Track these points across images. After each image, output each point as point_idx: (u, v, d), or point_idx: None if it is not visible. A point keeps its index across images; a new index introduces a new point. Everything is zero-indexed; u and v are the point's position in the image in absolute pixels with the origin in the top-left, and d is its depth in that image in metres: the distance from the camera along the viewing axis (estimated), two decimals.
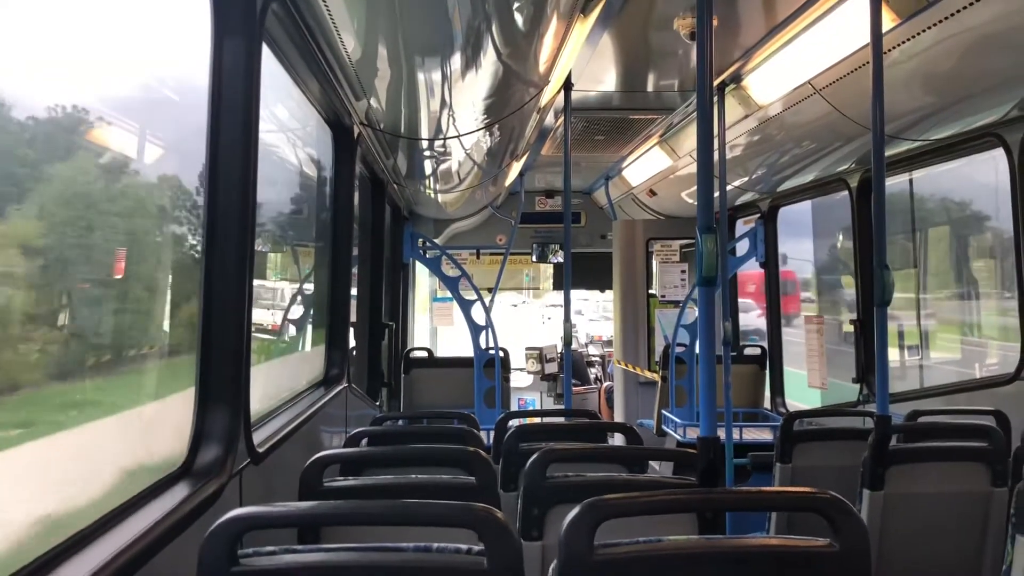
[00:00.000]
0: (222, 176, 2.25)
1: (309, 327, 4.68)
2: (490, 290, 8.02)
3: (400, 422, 4.88)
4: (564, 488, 2.32)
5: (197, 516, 1.92)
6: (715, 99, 5.23)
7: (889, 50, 3.66)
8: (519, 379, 10.65)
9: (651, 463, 5.04)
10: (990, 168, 5.13)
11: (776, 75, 4.73)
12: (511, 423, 3.65)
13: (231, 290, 2.26)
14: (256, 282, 2.50)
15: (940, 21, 3.36)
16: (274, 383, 3.67)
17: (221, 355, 2.25)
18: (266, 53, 2.55)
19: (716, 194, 5.47)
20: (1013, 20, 3.17)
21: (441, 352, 9.68)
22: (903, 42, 3.62)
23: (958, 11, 3.23)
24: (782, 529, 3.90)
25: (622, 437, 3.68)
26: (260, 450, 2.50)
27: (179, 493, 1.97)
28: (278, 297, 4.51)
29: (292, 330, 4.60)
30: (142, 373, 2.33)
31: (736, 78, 5.08)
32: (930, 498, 3.33)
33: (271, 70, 2.96)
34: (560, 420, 5.02)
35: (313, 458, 2.37)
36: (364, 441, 3.25)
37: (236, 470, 2.26)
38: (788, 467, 3.99)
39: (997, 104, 4.13)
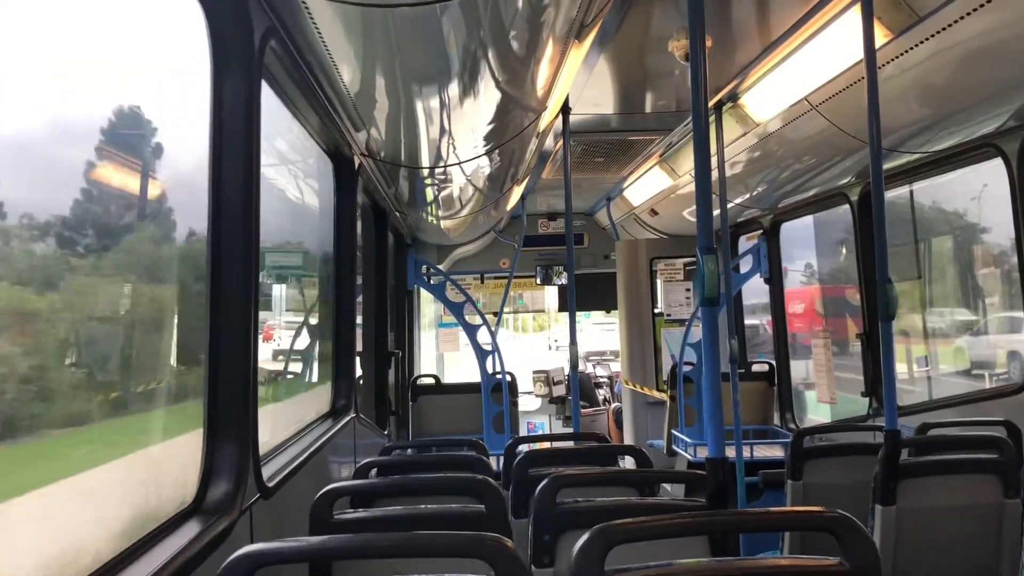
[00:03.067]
0: (225, 212, 2.28)
1: (316, 358, 4.69)
2: (495, 314, 8.04)
3: (409, 451, 4.88)
4: (574, 514, 2.32)
5: (208, 554, 1.92)
6: (713, 118, 5.27)
7: (883, 65, 3.68)
8: (527, 403, 10.63)
9: (664, 484, 5.03)
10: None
11: (773, 93, 4.76)
12: (520, 448, 3.64)
13: (237, 325, 2.28)
14: (263, 315, 2.52)
15: (932, 35, 3.39)
16: (282, 416, 3.68)
17: (228, 390, 2.26)
18: (265, 89, 2.59)
19: (717, 212, 5.50)
20: (1004, 32, 3.19)
21: (449, 379, 9.68)
22: (897, 56, 3.64)
23: (949, 25, 3.26)
24: (795, 547, 3.88)
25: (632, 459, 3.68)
26: (270, 484, 2.50)
27: (190, 531, 1.97)
28: (285, 330, 4.52)
29: (299, 362, 4.61)
30: (150, 410, 2.34)
31: (733, 96, 5.11)
32: (943, 512, 3.31)
33: (271, 105, 3.00)
34: (569, 444, 5.01)
35: (322, 491, 2.37)
36: (373, 471, 3.25)
37: (246, 505, 2.27)
38: (800, 484, 3.97)
39: (993, 115, 4.15)
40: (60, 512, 1.75)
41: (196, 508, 2.12)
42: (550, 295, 11.46)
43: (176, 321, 2.52)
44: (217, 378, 2.25)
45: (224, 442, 2.24)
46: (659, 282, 8.94)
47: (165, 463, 2.30)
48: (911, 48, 3.54)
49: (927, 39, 3.43)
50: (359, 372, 5.35)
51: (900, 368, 8.27)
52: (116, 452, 2.05)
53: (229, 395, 2.26)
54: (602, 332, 27.12)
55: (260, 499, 2.41)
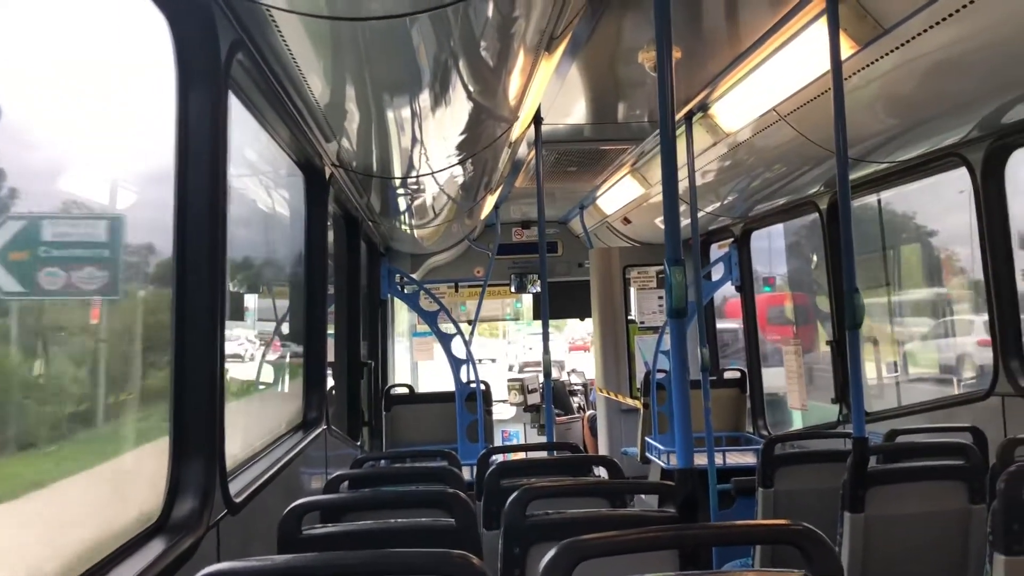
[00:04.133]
0: (191, 224, 2.25)
1: (287, 370, 4.66)
2: (470, 323, 8.02)
3: (382, 462, 4.85)
4: (544, 526, 2.31)
5: (173, 573, 1.89)
6: (683, 128, 5.31)
7: (850, 76, 3.73)
8: (502, 411, 10.61)
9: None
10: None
11: (742, 103, 4.80)
12: (494, 458, 3.64)
13: (203, 338, 2.25)
14: (233, 326, 2.49)
15: (897, 47, 3.44)
16: (252, 430, 3.64)
17: (195, 405, 2.23)
18: (233, 101, 2.57)
19: (687, 221, 5.53)
20: (967, 44, 3.24)
21: (424, 388, 9.64)
22: (863, 68, 3.69)
23: (914, 37, 3.31)
24: (767, 556, 3.90)
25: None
26: (237, 500, 2.47)
27: (154, 549, 1.94)
28: (255, 341, 4.48)
29: (269, 374, 4.57)
30: (117, 425, 2.31)
31: (703, 107, 5.15)
32: (911, 518, 3.34)
33: (239, 117, 2.98)
34: (543, 454, 5.01)
35: (290, 507, 2.35)
36: (345, 484, 3.23)
37: (213, 522, 2.24)
38: (771, 492, 3.99)
39: (958, 125, 4.21)
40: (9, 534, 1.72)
41: (161, 525, 2.09)
42: (506, 304, 11.48)
43: (140, 332, 2.49)
44: (183, 392, 2.23)
45: (190, 457, 2.21)
46: (632, 290, 8.97)
47: (130, 479, 2.27)
48: (876, 60, 3.59)
49: (892, 51, 3.48)
50: (331, 383, 5.31)
51: (884, 372, 8.36)
52: (76, 467, 2.02)
53: (196, 409, 2.23)
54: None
55: (228, 515, 2.38)
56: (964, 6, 3.00)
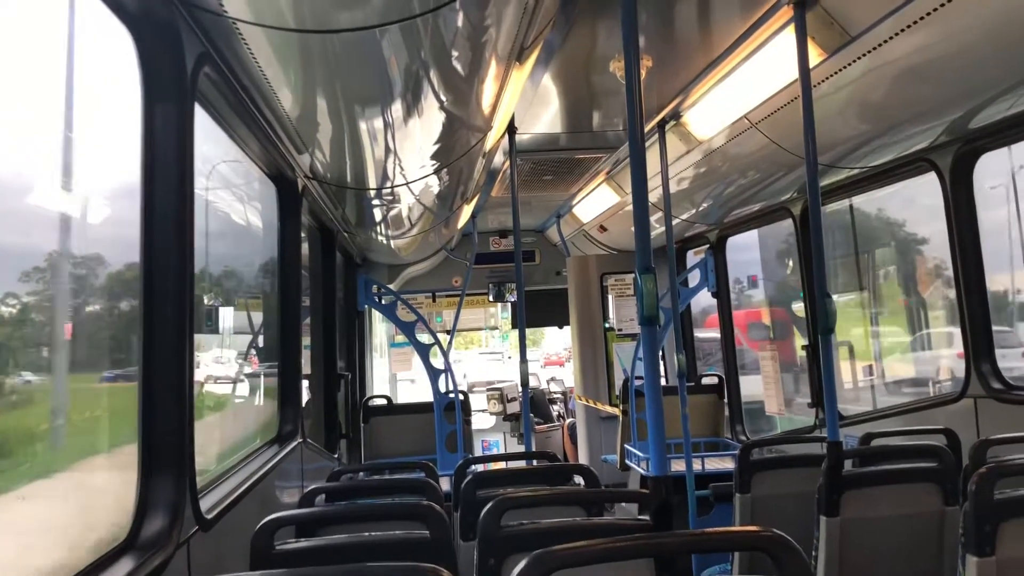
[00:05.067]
0: (158, 237, 2.23)
1: (261, 383, 4.62)
2: (448, 332, 8.00)
3: (360, 474, 4.82)
4: (519, 537, 2.31)
5: None
6: (656, 136, 5.33)
7: (819, 83, 3.77)
8: (482, 420, 10.58)
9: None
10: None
11: (713, 111, 4.84)
12: (472, 468, 3.62)
13: (172, 352, 2.23)
14: (205, 340, 2.47)
15: (865, 54, 3.48)
16: (226, 444, 3.61)
17: (163, 420, 2.21)
18: (201, 114, 2.55)
19: (662, 229, 5.56)
20: (934, 51, 3.29)
21: (403, 398, 9.60)
22: (831, 75, 3.73)
23: (881, 44, 3.35)
24: (744, 561, 3.91)
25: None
26: (209, 516, 2.44)
27: (122, 569, 1.91)
28: (228, 356, 4.44)
29: (243, 388, 4.53)
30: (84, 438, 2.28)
31: (676, 115, 5.19)
32: (886, 521, 3.36)
33: (208, 130, 2.95)
34: (521, 464, 5.00)
35: (262, 522, 2.32)
36: (321, 498, 3.20)
37: (183, 539, 2.21)
38: (748, 497, 4.00)
39: (926, 131, 4.26)
40: None
41: (130, 544, 2.06)
42: (490, 314, 11.46)
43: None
44: (152, 406, 2.20)
45: (159, 472, 2.19)
46: (610, 297, 8.99)
47: (98, 495, 2.24)
48: (845, 67, 3.63)
49: (860, 58, 3.52)
50: (308, 396, 5.27)
51: (864, 375, 8.41)
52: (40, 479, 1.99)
53: (164, 423, 2.21)
54: (488, 363, 27.36)
55: (199, 531, 2.35)
56: (929, 13, 3.04)
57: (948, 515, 3.37)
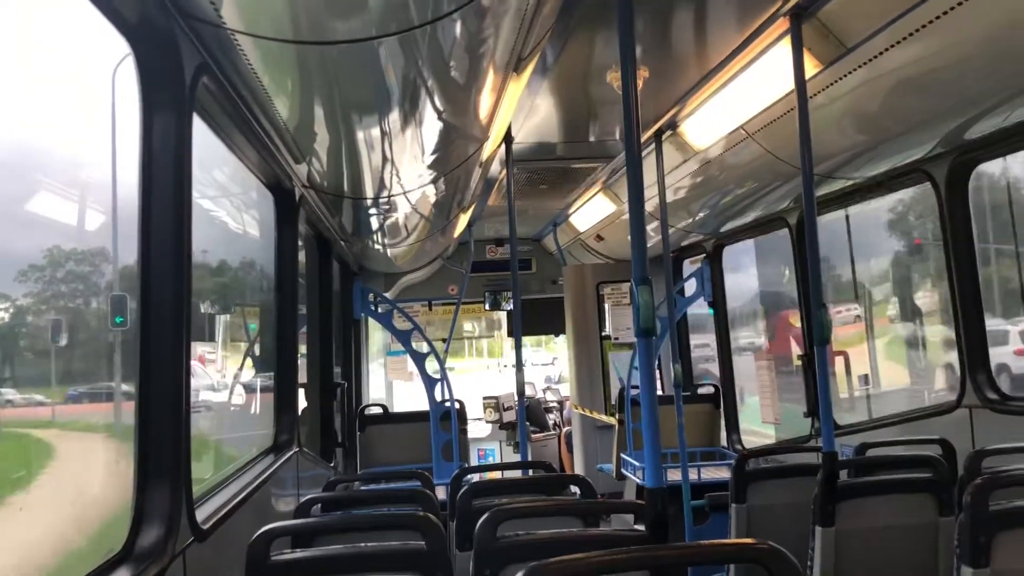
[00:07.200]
0: (155, 245, 2.24)
1: (257, 392, 4.62)
2: (444, 341, 8.00)
3: (356, 484, 4.81)
4: (515, 547, 2.31)
5: None
6: (653, 146, 5.35)
7: (815, 94, 3.78)
8: (478, 429, 10.57)
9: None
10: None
11: (710, 121, 4.85)
12: (468, 478, 3.62)
13: (168, 362, 2.23)
14: (202, 349, 2.47)
15: (860, 65, 3.49)
16: (222, 454, 3.60)
17: (160, 429, 2.21)
18: (200, 125, 2.55)
19: (658, 238, 5.57)
20: (929, 62, 3.30)
21: (400, 407, 9.58)
22: (827, 86, 3.74)
23: (876, 56, 3.37)
24: (741, 571, 3.91)
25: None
26: (204, 527, 2.44)
27: None
28: (224, 364, 4.44)
29: (239, 397, 4.53)
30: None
31: (672, 125, 5.20)
32: (881, 531, 3.36)
33: (206, 140, 2.96)
34: (517, 473, 4.99)
35: (258, 533, 2.32)
36: (317, 508, 3.20)
37: (179, 550, 2.21)
38: (744, 507, 4.00)
39: (922, 142, 4.28)
40: None
41: (126, 555, 2.06)
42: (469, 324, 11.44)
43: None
44: (148, 417, 2.20)
45: (156, 483, 2.19)
46: (607, 306, 8.99)
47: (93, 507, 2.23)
48: (841, 78, 3.64)
49: (856, 69, 3.54)
50: (304, 405, 5.26)
51: (866, 378, 8.41)
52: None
53: (161, 434, 2.21)
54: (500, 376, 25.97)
55: (195, 542, 2.35)
56: (924, 25, 3.06)
57: (943, 526, 3.37)
